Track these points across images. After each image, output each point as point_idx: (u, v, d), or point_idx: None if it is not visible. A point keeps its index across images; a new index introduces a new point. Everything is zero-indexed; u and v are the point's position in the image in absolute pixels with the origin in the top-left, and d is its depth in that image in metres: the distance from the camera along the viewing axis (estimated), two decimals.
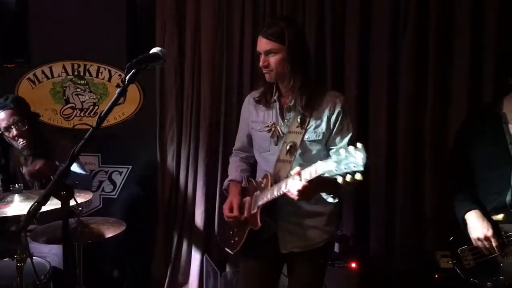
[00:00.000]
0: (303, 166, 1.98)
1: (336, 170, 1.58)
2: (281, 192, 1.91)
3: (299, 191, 1.79)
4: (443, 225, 2.77)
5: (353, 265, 2.80)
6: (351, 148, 1.56)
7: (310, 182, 1.76)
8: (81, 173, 2.89)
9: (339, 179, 1.58)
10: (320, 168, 1.67)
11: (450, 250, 2.24)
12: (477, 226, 2.09)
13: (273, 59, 2.01)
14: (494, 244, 2.04)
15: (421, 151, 3.01)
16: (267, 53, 2.01)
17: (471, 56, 2.88)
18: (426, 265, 2.60)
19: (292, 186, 1.82)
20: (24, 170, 2.81)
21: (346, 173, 1.56)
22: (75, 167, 2.83)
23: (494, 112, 2.15)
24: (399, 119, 3.03)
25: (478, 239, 2.07)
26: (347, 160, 1.55)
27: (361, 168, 1.52)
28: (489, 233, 2.04)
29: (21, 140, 2.75)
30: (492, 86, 2.84)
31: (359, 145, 1.55)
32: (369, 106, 3.09)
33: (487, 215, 2.10)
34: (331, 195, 2.01)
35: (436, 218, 2.94)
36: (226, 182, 2.32)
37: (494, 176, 2.11)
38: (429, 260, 2.59)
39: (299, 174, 1.79)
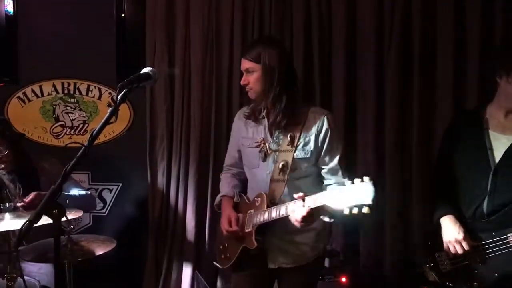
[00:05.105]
0: (291, 182, 2.01)
1: (343, 202, 1.63)
2: (281, 215, 1.94)
3: (303, 217, 1.83)
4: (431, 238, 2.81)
5: (343, 279, 2.81)
6: (357, 181, 1.61)
7: (314, 209, 1.81)
8: (81, 195, 2.80)
9: (346, 211, 1.63)
10: (325, 198, 1.74)
11: (427, 254, 2.27)
12: (449, 229, 2.12)
13: (251, 78, 2.08)
14: (465, 248, 2.06)
15: (409, 165, 3.06)
16: (246, 72, 2.10)
17: (455, 67, 2.96)
18: (415, 278, 2.62)
19: (297, 211, 1.85)
20: (18, 204, 2.61)
21: (353, 206, 1.60)
22: (74, 190, 2.78)
23: (477, 117, 2.18)
24: (386, 131, 3.09)
25: (449, 242, 2.10)
26: (355, 193, 1.60)
27: (370, 202, 1.57)
28: (460, 236, 2.07)
29: (2, 165, 2.71)
30: (475, 96, 2.91)
31: (366, 179, 1.60)
32: (356, 120, 3.15)
33: (462, 221, 2.13)
34: (327, 218, 2.03)
35: (424, 231, 2.97)
36: (218, 198, 2.33)
37: (473, 182, 2.14)
38: (418, 274, 2.62)
39: (303, 199, 1.83)
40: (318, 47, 3.11)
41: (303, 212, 1.82)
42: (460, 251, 2.07)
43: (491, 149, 2.10)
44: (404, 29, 3.01)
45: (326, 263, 2.90)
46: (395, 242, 3.07)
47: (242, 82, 2.13)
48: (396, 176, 3.07)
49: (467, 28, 2.95)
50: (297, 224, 1.87)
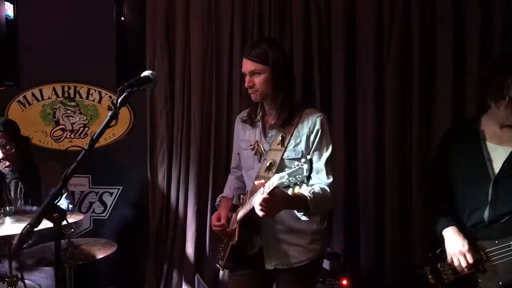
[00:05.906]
0: None
1: (286, 181, 1.61)
2: (251, 206, 1.91)
3: (260, 204, 1.77)
4: (432, 240, 2.81)
5: (344, 282, 2.81)
6: (302, 160, 1.60)
7: (271, 194, 1.74)
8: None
9: (289, 191, 1.61)
10: (275, 179, 1.68)
11: (430, 265, 2.24)
12: (453, 241, 2.08)
13: (257, 80, 2.05)
14: (469, 261, 2.02)
15: (409, 165, 3.06)
16: (252, 73, 2.06)
17: (454, 71, 2.96)
18: (416, 281, 2.61)
19: (256, 199, 1.82)
20: None
21: (295, 184, 1.59)
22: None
23: (472, 128, 2.16)
24: (386, 131, 3.09)
25: (454, 254, 2.07)
26: (297, 171, 1.59)
27: (304, 179, 1.56)
28: (465, 248, 2.03)
29: (7, 163, 2.75)
30: (474, 99, 2.92)
31: (308, 156, 1.60)
32: (356, 120, 3.16)
33: (465, 231, 2.09)
34: (302, 213, 1.97)
35: (424, 234, 2.97)
36: (218, 199, 2.36)
37: (473, 192, 2.11)
38: (419, 276, 2.61)
39: (263, 186, 1.79)
40: (317, 47, 3.11)
41: (260, 198, 1.76)
42: (464, 264, 2.03)
43: (490, 160, 2.08)
44: (404, 29, 3.01)
45: (327, 265, 2.90)
46: (395, 243, 3.07)
47: (246, 84, 2.08)
48: (396, 176, 3.06)
49: (466, 28, 2.95)
50: (258, 212, 1.80)
